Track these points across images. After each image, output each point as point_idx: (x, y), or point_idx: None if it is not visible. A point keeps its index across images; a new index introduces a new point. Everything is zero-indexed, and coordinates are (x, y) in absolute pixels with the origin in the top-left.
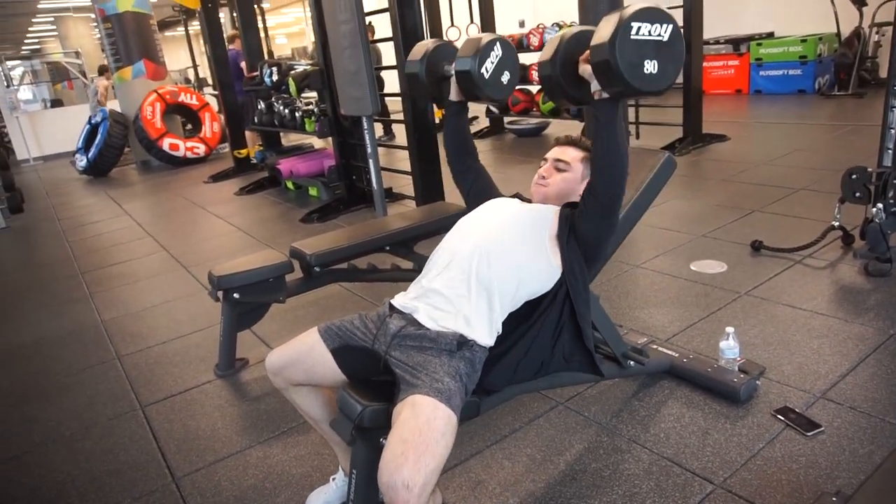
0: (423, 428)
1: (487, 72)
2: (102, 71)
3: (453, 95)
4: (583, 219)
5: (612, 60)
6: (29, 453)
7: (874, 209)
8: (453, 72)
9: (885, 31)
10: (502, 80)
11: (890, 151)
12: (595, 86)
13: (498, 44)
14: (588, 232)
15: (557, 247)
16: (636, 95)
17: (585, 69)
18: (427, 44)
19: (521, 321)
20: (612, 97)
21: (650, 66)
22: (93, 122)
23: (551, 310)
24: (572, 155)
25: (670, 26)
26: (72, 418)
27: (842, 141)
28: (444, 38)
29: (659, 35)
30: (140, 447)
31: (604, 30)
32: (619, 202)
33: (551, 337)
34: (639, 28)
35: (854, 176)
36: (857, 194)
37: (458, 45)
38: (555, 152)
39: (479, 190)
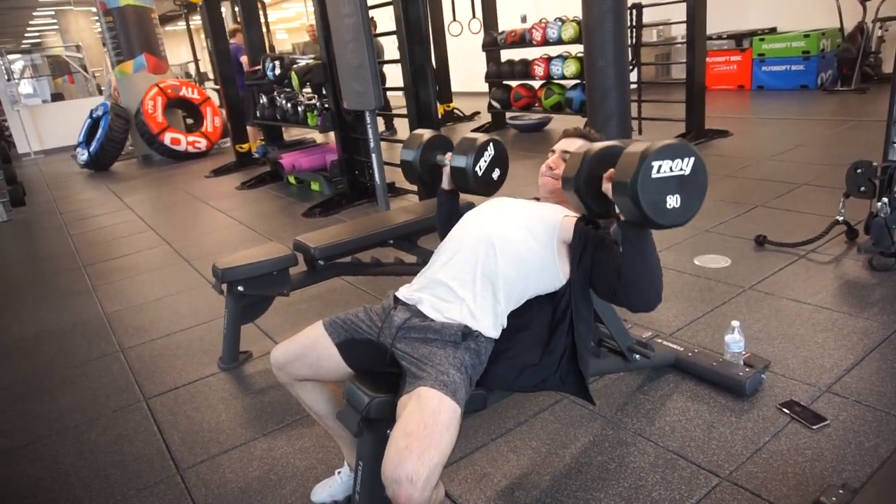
0: (427, 421)
1: (480, 170)
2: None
3: (445, 184)
4: (607, 293)
5: (633, 199)
6: (32, 445)
7: (879, 204)
8: (447, 163)
9: (888, 25)
10: (493, 176)
11: (895, 146)
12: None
13: (491, 144)
14: (597, 289)
15: (567, 256)
16: (658, 228)
17: (608, 188)
18: (423, 133)
19: (537, 330)
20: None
21: (672, 201)
22: (94, 115)
23: (563, 325)
24: (580, 146)
25: (692, 160)
26: (76, 410)
27: (845, 136)
28: (447, 32)
29: (681, 170)
30: (144, 439)
31: (625, 167)
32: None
33: (559, 357)
34: (660, 167)
35: (859, 170)
36: (862, 189)
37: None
38: (563, 143)
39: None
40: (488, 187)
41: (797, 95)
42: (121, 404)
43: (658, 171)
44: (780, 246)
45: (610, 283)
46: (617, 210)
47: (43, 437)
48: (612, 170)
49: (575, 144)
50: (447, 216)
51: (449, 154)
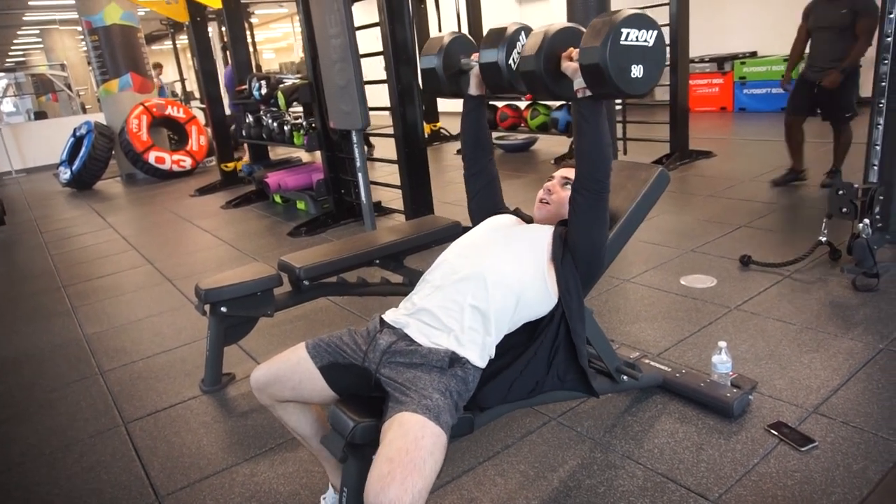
0: (409, 447)
1: (514, 62)
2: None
3: (473, 90)
4: (574, 221)
5: (602, 64)
6: (7, 472)
7: (860, 225)
8: (475, 65)
9: None
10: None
11: (875, 168)
12: (578, 84)
13: (523, 33)
14: (582, 236)
15: (553, 269)
16: (621, 97)
17: (568, 66)
18: (443, 37)
19: (518, 341)
20: (597, 97)
21: (636, 71)
22: (77, 134)
23: (548, 331)
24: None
25: (655, 32)
26: (52, 435)
27: (826, 158)
28: None
29: (645, 41)
30: (123, 465)
31: (593, 34)
32: (606, 192)
33: (547, 357)
34: (628, 34)
35: (840, 192)
36: (844, 210)
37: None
38: (562, 171)
39: (486, 196)
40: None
41: (778, 117)
42: (99, 429)
43: (626, 39)
44: (765, 266)
45: (569, 209)
46: (575, 87)
47: (17, 463)
48: (571, 48)
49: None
50: (475, 125)
51: (475, 54)
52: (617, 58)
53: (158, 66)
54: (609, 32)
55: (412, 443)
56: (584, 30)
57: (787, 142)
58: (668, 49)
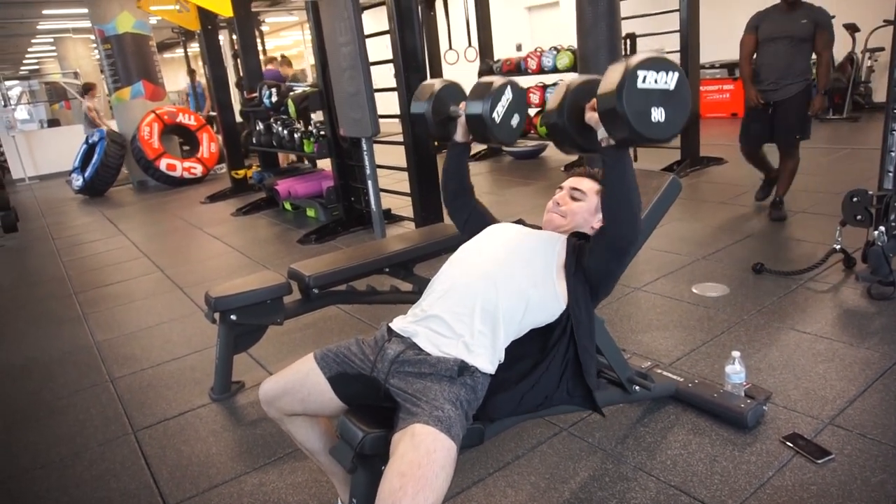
0: (422, 461)
1: (499, 116)
2: (87, 89)
3: (459, 136)
4: (593, 257)
5: (619, 109)
6: (16, 479)
7: (875, 232)
8: (462, 114)
9: (877, 55)
10: (512, 123)
11: (890, 174)
12: (602, 133)
13: (509, 88)
14: (598, 270)
15: (563, 276)
16: (643, 143)
17: (592, 117)
18: (434, 83)
19: (528, 352)
20: (619, 144)
21: (657, 114)
22: (90, 141)
23: (560, 344)
24: (588, 185)
25: (676, 74)
26: (62, 443)
27: (839, 164)
28: (443, 60)
29: (665, 84)
30: (132, 473)
31: (610, 79)
32: (632, 247)
33: (559, 371)
34: (644, 77)
35: (855, 199)
36: (859, 217)
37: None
38: (571, 181)
39: (474, 222)
40: (507, 135)
41: None
42: (108, 437)
43: (643, 82)
44: (778, 274)
45: (592, 247)
46: (599, 137)
47: (27, 470)
48: (594, 99)
49: (584, 183)
50: (456, 170)
51: (463, 104)
52: (634, 102)
53: (92, 87)
54: (625, 77)
55: (424, 456)
56: None
57: (750, 162)
58: (678, 56)
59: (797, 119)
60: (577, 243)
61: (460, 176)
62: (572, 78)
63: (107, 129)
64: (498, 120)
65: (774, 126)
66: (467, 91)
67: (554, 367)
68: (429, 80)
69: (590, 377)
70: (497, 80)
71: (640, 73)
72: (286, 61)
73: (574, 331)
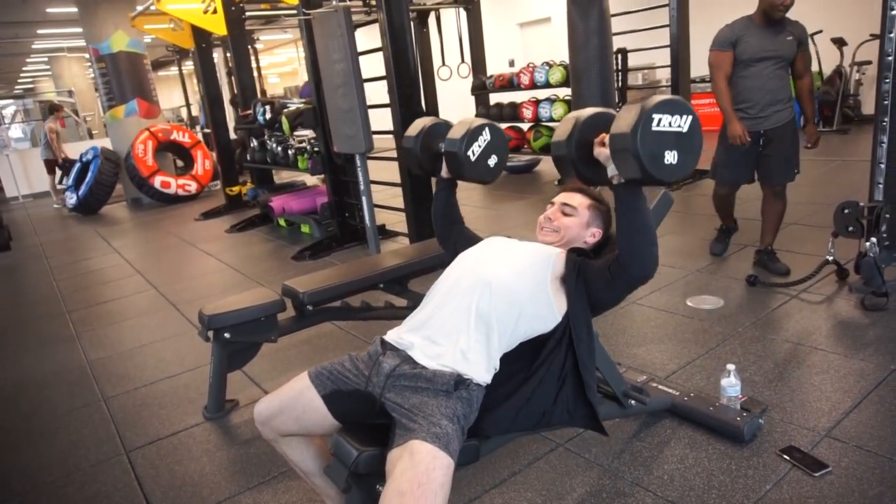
0: (421, 479)
1: (474, 154)
2: (52, 110)
3: (444, 172)
4: (603, 285)
5: (632, 150)
6: (6, 502)
7: (867, 243)
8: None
9: (865, 69)
10: (489, 163)
11: (880, 186)
12: (612, 170)
13: (487, 129)
14: (606, 298)
15: (563, 290)
16: (654, 184)
17: (601, 152)
18: (424, 121)
19: (523, 365)
20: (629, 183)
21: (670, 157)
22: (84, 159)
23: (555, 356)
24: (579, 201)
25: (690, 118)
26: (54, 464)
27: (830, 176)
28: (436, 76)
29: (679, 126)
30: (124, 495)
31: (624, 119)
32: (646, 281)
33: (554, 387)
34: (660, 120)
35: (846, 210)
36: (850, 228)
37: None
38: (562, 197)
39: (463, 245)
40: (483, 174)
41: None
42: (100, 457)
43: (658, 125)
44: (772, 286)
45: (604, 275)
46: (609, 174)
47: (17, 493)
48: (604, 134)
49: (575, 198)
50: (442, 206)
51: None
52: (649, 144)
53: (58, 109)
54: (640, 119)
55: (424, 474)
56: (615, 113)
57: (721, 206)
58: (669, 70)
59: (793, 151)
60: (579, 260)
61: (448, 210)
62: (581, 111)
63: (63, 155)
64: (473, 158)
65: (765, 161)
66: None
67: (549, 380)
68: (421, 119)
69: (592, 393)
70: (476, 121)
71: (656, 116)
72: None
73: (574, 347)
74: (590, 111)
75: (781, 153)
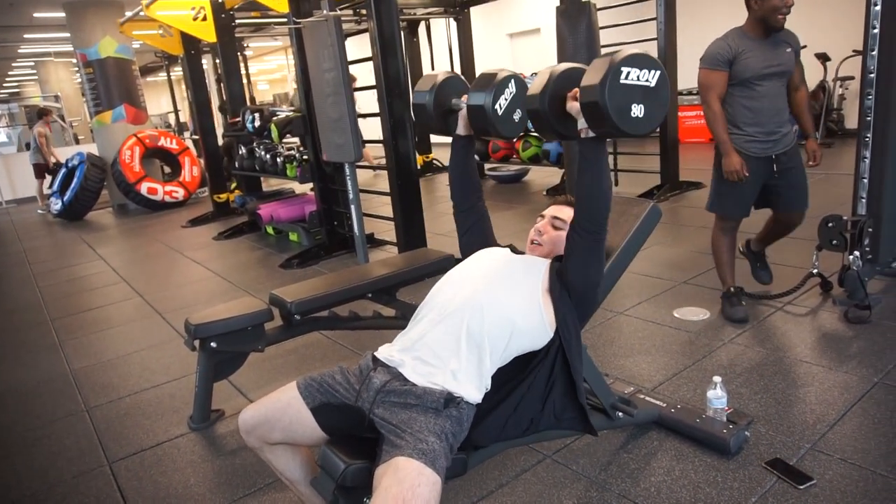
0: (406, 496)
1: (501, 108)
2: (41, 115)
3: (461, 129)
4: (571, 259)
5: (601, 102)
6: None
7: (851, 257)
8: (463, 106)
9: (848, 84)
10: (514, 117)
11: (863, 200)
12: (581, 123)
13: (513, 81)
14: (577, 274)
15: (550, 301)
16: (622, 136)
17: (573, 106)
18: (436, 75)
19: (511, 376)
20: (598, 136)
21: (637, 111)
22: (69, 165)
23: (543, 365)
24: (569, 214)
25: (658, 72)
26: (35, 476)
27: (814, 189)
28: None
29: (647, 80)
30: None
31: (594, 72)
32: (603, 233)
33: (542, 393)
34: (628, 73)
35: (830, 224)
36: (834, 242)
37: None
38: (552, 210)
39: (476, 233)
40: (510, 129)
41: None
42: (83, 469)
43: (626, 78)
44: (758, 298)
45: (568, 248)
46: (580, 126)
47: None
48: (576, 88)
49: (565, 211)
50: (462, 165)
51: (465, 96)
52: (616, 97)
53: (47, 113)
54: (608, 71)
55: (409, 490)
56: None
57: (720, 254)
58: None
59: (805, 178)
60: (558, 265)
61: (466, 171)
62: (556, 66)
63: (54, 160)
64: (500, 112)
65: (782, 190)
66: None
67: (537, 388)
68: (431, 72)
69: (581, 396)
70: (501, 72)
71: (624, 70)
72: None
73: (565, 351)
74: (564, 66)
75: (798, 178)
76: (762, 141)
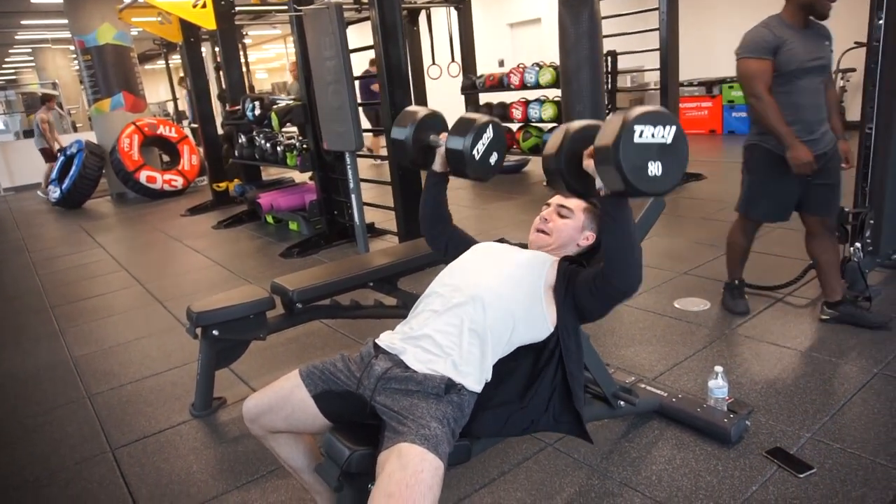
0: (409, 481)
1: (478, 153)
2: (44, 101)
3: (437, 167)
4: (588, 296)
5: (615, 163)
6: None
7: (851, 248)
8: (442, 144)
9: (849, 76)
10: (490, 161)
11: (865, 192)
12: (599, 183)
13: (490, 126)
14: (591, 308)
15: (553, 300)
16: (641, 196)
17: (589, 165)
18: (416, 111)
19: (521, 375)
20: (616, 195)
21: (654, 168)
22: (68, 153)
23: (549, 368)
24: (575, 203)
25: (673, 128)
26: (36, 462)
27: None
28: (426, 75)
29: (662, 137)
30: (109, 493)
31: (607, 131)
32: (631, 295)
33: (547, 397)
34: (641, 132)
35: None
36: (835, 234)
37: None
38: (558, 198)
39: (455, 246)
40: (485, 172)
41: None
42: (85, 455)
43: (640, 136)
44: (758, 289)
45: (590, 286)
46: (598, 185)
47: (0, 492)
48: (592, 146)
49: (571, 200)
50: (434, 201)
51: (444, 134)
52: (631, 157)
53: (49, 99)
54: (621, 131)
55: (412, 476)
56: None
57: (733, 251)
58: (658, 73)
59: (840, 181)
60: (569, 269)
61: (438, 206)
62: (571, 124)
63: (57, 145)
64: (477, 157)
65: (819, 191)
66: (450, 121)
67: (542, 392)
68: (412, 108)
69: (579, 403)
70: (480, 118)
71: (637, 128)
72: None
73: (563, 357)
74: (579, 124)
75: (834, 180)
76: (805, 140)
